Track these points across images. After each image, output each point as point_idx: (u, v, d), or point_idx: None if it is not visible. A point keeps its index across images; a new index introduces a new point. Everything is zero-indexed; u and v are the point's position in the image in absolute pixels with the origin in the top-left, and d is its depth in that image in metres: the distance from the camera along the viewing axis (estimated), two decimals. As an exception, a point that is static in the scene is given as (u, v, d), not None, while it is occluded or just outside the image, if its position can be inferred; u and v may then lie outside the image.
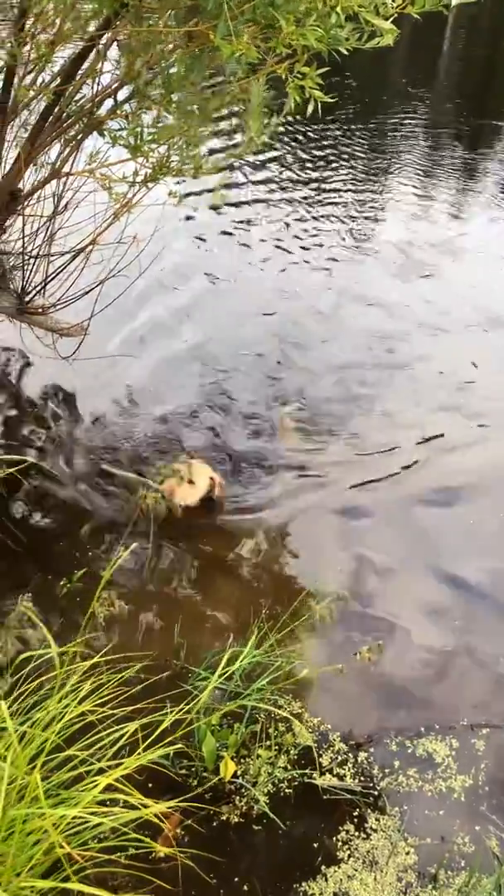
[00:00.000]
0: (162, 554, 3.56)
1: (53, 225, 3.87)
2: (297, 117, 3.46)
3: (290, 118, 3.55)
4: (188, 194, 6.39)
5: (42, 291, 3.94)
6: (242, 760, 2.74)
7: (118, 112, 3.60)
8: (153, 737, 2.14)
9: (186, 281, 5.81)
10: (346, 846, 2.57)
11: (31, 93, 3.65)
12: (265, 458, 4.29)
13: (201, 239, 6.43)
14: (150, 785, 2.57)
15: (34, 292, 3.92)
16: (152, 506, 3.69)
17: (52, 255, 3.95)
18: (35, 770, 1.80)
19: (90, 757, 2.12)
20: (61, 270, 3.86)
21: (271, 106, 3.50)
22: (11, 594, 3.25)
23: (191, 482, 3.79)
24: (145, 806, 1.99)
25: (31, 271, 3.89)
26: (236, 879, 2.45)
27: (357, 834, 2.60)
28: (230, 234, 6.62)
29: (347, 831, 2.61)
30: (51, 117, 3.60)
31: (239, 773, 2.69)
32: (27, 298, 3.91)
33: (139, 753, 2.08)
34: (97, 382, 4.58)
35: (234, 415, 4.60)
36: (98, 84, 3.62)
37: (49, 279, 3.86)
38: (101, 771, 2.10)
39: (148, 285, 5.25)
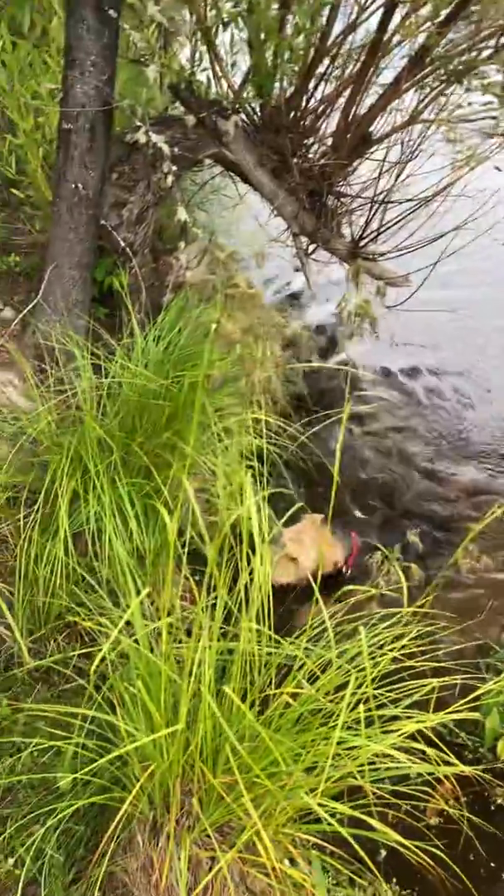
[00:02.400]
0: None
1: (400, 172, 3.81)
2: None
3: None
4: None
5: (376, 238, 3.93)
6: (521, 747, 2.63)
7: (496, 58, 3.43)
8: (462, 703, 2.11)
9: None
10: None
11: (400, 34, 3.60)
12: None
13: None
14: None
15: (368, 238, 3.91)
16: None
17: (391, 203, 3.90)
18: (366, 694, 1.84)
19: (390, 703, 2.13)
20: (401, 219, 3.80)
21: None
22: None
23: (292, 559, 2.92)
24: (446, 763, 1.97)
25: (369, 217, 3.88)
26: (494, 864, 2.38)
27: None
28: None
29: None
30: (420, 60, 3.52)
31: (516, 758, 2.60)
32: (361, 244, 3.91)
33: (445, 712, 2.05)
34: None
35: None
36: (476, 27, 3.48)
37: (387, 226, 3.83)
38: (393, 718, 2.10)
39: (482, 248, 4.93)
